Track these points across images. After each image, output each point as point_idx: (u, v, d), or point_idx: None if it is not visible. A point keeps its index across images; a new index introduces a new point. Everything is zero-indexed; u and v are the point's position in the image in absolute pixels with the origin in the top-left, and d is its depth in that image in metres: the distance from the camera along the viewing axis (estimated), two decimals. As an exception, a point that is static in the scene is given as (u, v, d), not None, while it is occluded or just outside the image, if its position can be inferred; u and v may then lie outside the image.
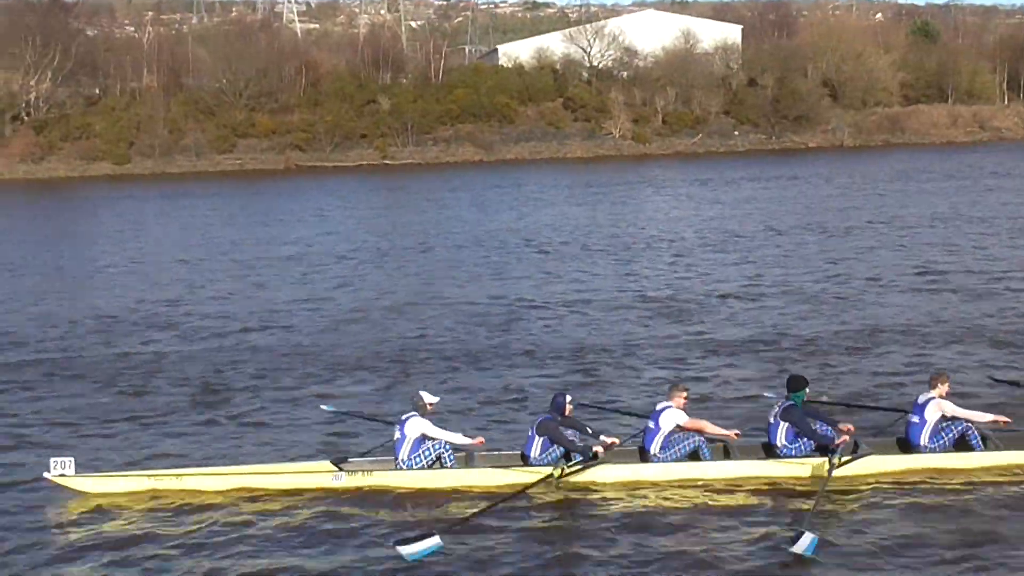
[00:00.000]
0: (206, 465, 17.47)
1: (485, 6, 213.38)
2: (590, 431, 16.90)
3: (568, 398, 17.13)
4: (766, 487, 16.30)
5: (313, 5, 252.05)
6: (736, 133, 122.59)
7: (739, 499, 15.95)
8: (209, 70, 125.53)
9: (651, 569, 13.84)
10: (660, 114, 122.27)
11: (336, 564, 14.22)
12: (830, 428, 16.75)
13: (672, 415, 16.81)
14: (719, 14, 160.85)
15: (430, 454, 16.78)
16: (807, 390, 17.18)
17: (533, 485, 15.99)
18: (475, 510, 15.13)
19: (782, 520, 15.16)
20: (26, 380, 24.93)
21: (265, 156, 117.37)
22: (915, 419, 16.95)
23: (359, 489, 16.45)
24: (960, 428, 16.75)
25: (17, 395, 23.61)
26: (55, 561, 14.56)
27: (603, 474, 16.53)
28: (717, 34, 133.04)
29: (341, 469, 16.81)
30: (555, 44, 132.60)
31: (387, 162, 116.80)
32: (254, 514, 15.88)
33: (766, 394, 19.57)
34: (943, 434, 16.78)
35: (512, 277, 38.32)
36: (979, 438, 16.75)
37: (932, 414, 16.76)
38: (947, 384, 17.04)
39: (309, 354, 26.72)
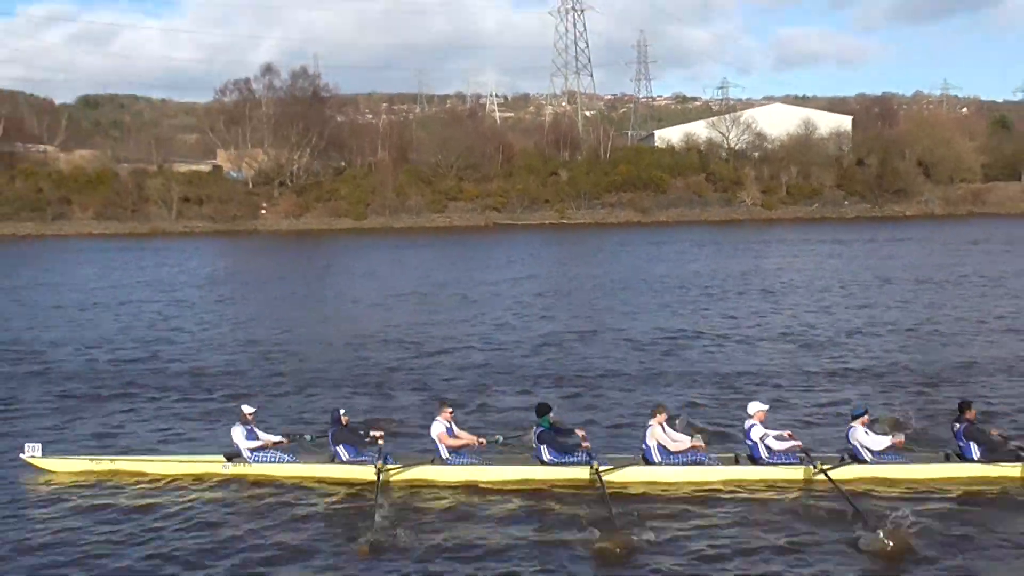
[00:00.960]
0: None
1: (645, 99, 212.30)
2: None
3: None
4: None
5: (509, 98, 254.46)
6: (846, 202, 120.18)
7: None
8: (428, 148, 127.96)
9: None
10: (784, 186, 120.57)
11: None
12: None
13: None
14: (834, 107, 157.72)
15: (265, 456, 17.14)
16: (550, 415, 16.59)
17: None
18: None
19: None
20: (308, 382, 25.26)
21: (469, 215, 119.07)
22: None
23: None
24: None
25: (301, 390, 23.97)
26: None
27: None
28: (832, 123, 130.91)
29: (229, 461, 17.19)
30: (700, 130, 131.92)
31: (564, 221, 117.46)
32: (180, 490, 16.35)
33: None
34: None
35: (670, 314, 37.79)
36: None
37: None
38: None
39: (511, 370, 26.44)
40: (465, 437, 16.82)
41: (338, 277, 57.43)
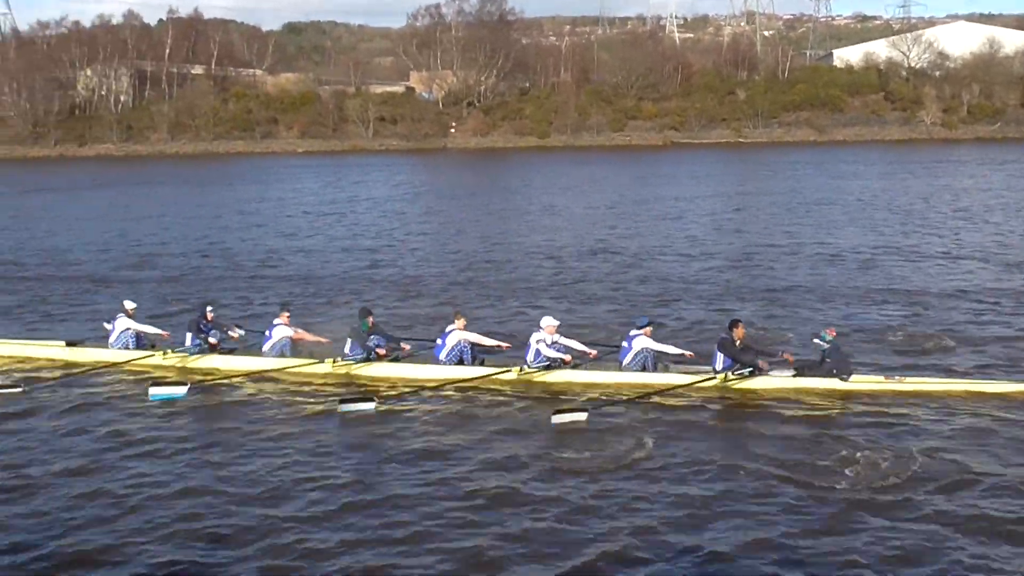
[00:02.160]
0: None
1: (824, 19, 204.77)
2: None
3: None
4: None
5: (688, 19, 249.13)
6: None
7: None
8: (609, 69, 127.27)
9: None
10: (965, 106, 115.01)
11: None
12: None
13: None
14: (1022, 24, 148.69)
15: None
16: (369, 319, 17.65)
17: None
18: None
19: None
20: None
21: (648, 134, 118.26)
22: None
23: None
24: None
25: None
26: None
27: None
28: (1019, 41, 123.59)
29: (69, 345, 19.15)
30: (880, 49, 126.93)
31: (740, 140, 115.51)
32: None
33: None
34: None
35: (862, 230, 36.17)
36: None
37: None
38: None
39: (703, 282, 26.17)
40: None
41: (528, 192, 57.64)
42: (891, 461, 12.49)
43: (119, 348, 18.86)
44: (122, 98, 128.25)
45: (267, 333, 18.33)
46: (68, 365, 18.48)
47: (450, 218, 44.83)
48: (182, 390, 16.13)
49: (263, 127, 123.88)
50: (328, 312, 22.74)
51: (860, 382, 15.68)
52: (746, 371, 15.97)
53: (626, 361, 16.70)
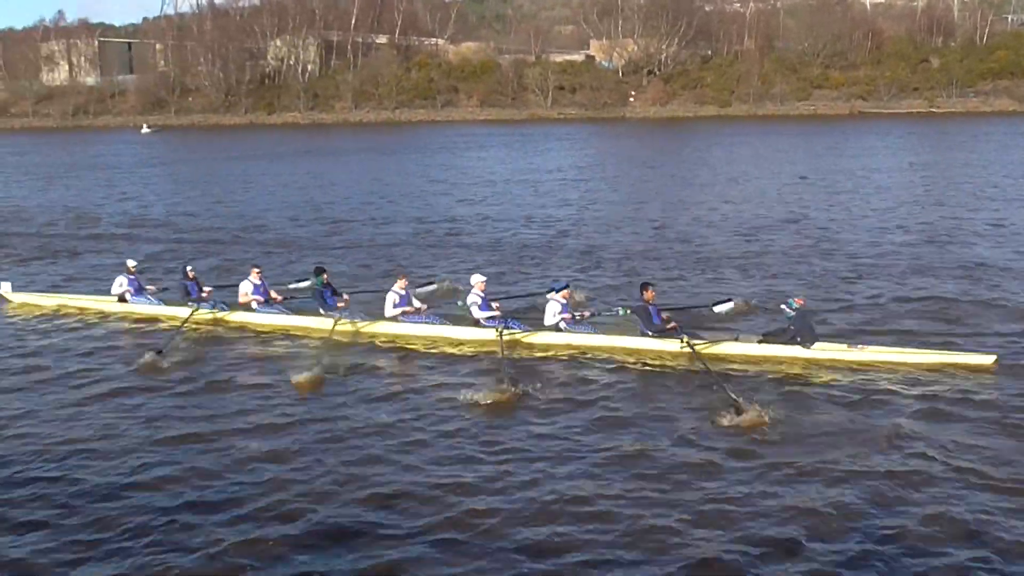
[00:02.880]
0: None
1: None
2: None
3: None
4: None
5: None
6: None
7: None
8: (794, 36, 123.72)
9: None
10: None
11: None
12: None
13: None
14: None
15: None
16: (323, 276, 18.90)
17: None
18: None
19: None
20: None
21: (834, 104, 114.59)
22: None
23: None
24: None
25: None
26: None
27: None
28: None
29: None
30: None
31: (933, 110, 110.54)
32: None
33: None
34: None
35: None
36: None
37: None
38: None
39: (902, 255, 25.00)
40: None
41: (711, 162, 56.25)
42: (825, 426, 12.77)
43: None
44: (309, 67, 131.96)
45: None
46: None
47: (632, 188, 44.26)
48: None
49: (444, 95, 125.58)
50: (513, 278, 23.02)
51: (822, 350, 15.83)
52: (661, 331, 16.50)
53: (547, 321, 17.25)
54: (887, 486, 10.95)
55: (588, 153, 67.24)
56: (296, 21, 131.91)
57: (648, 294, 16.69)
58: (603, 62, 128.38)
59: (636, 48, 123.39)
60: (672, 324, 16.55)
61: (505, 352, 16.04)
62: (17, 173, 59.48)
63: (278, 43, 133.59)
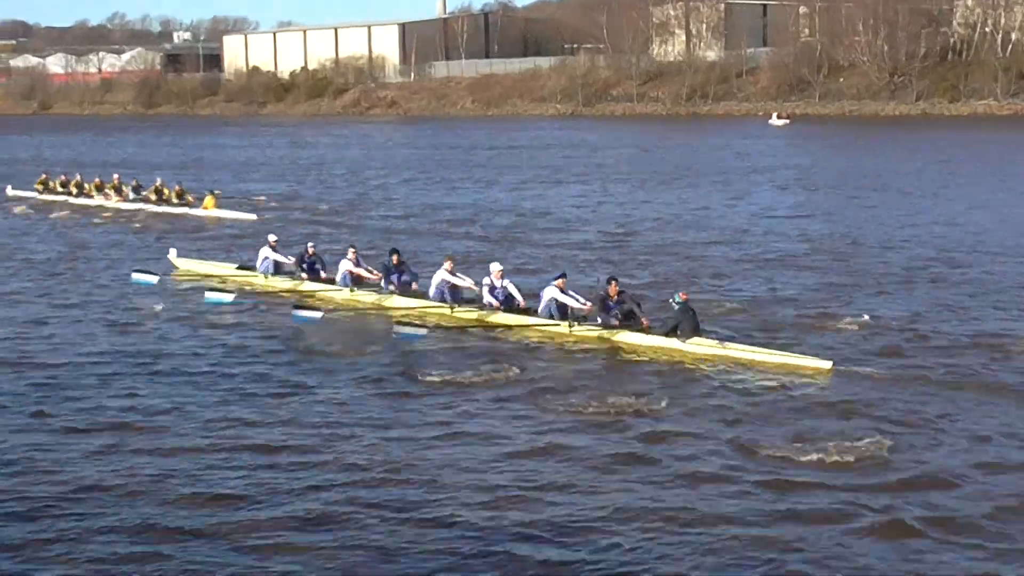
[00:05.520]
0: None
1: None
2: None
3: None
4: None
5: None
6: None
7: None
8: None
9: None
10: None
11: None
12: None
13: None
14: None
15: None
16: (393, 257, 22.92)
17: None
18: None
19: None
20: None
21: None
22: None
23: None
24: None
25: None
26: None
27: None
28: None
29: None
30: None
31: None
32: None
33: None
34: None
35: None
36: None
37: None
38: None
39: None
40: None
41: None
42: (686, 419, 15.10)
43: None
44: (1013, 36, 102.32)
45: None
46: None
47: None
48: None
49: None
50: None
51: (696, 344, 18.48)
52: (595, 323, 19.67)
53: (540, 310, 20.27)
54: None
55: None
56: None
57: (612, 288, 19.61)
58: None
59: None
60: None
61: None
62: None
63: (968, 3, 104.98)
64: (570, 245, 30.96)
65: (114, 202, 41.68)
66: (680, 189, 46.56)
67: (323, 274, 24.17)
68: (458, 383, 16.66)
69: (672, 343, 18.56)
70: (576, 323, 19.62)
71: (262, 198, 44.05)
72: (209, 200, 39.10)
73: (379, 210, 40.82)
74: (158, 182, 41.94)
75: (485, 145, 77.91)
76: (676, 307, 18.59)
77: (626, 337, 19.22)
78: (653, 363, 18.01)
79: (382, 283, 22.67)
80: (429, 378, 16.89)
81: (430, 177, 53.68)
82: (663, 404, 15.50)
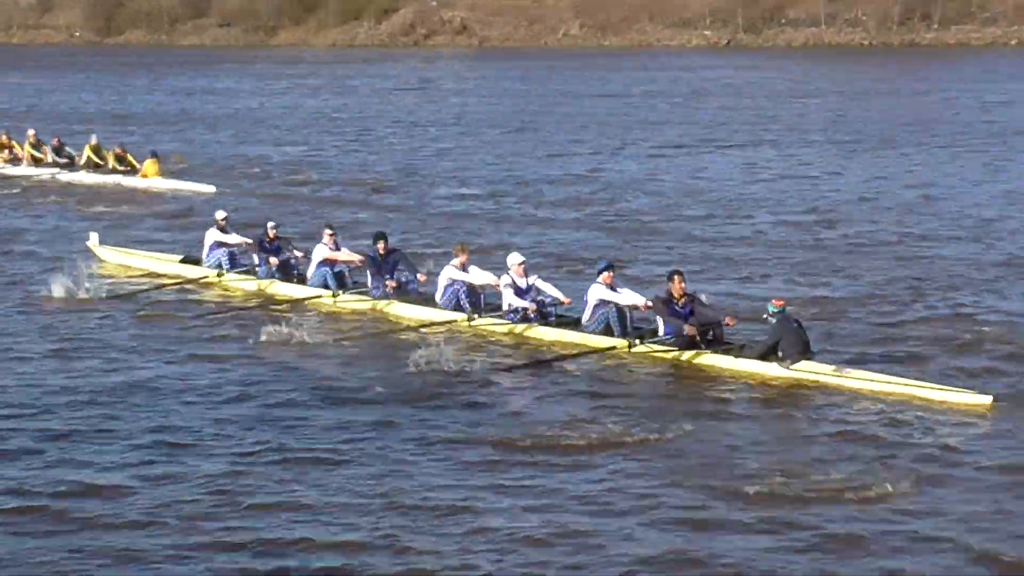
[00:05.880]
0: None
1: None
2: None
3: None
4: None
5: None
6: None
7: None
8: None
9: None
10: None
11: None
12: None
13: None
14: None
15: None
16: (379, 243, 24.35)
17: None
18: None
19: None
20: None
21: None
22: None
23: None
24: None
25: None
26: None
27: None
28: None
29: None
30: None
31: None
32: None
33: None
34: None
35: None
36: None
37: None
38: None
39: None
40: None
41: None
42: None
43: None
44: None
45: None
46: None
47: None
48: None
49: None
50: None
51: (803, 371, 19.43)
52: (667, 338, 20.73)
53: (585, 318, 21.68)
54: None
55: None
56: None
57: (675, 285, 20.61)
58: None
59: None
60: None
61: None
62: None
63: None
64: (732, 240, 30.86)
65: (24, 167, 43.17)
66: (896, 157, 46.81)
67: (293, 263, 25.51)
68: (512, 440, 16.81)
69: (771, 368, 19.25)
70: (638, 340, 20.57)
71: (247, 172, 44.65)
72: (150, 166, 40.55)
73: (441, 187, 41.06)
74: (93, 140, 43.01)
75: (601, 91, 78.15)
76: (773, 319, 19.19)
77: (709, 359, 20.08)
78: (747, 399, 18.65)
79: (369, 282, 24.10)
80: (440, 433, 17.15)
81: (519, 140, 53.85)
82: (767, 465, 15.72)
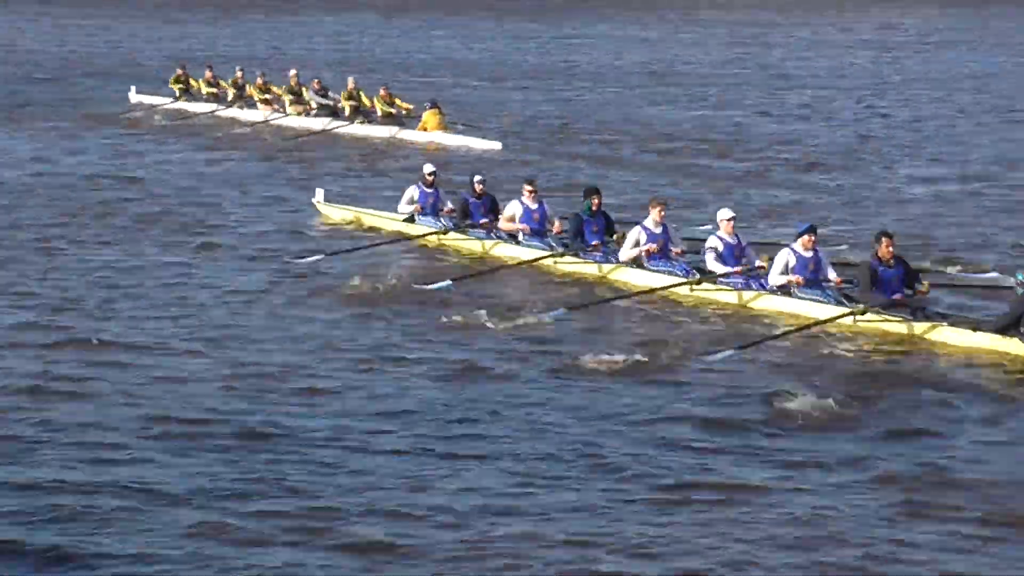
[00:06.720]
0: None
1: None
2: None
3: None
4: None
5: None
6: None
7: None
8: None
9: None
10: None
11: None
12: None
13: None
14: None
15: None
16: (592, 199, 23.17)
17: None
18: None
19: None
20: None
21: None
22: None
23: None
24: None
25: None
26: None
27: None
28: None
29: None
30: None
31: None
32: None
33: None
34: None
35: None
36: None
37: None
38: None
39: None
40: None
41: None
42: None
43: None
44: None
45: None
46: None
47: None
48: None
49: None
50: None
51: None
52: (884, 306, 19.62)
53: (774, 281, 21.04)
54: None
55: None
56: None
57: (883, 248, 19.30)
58: None
59: None
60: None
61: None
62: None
63: None
64: None
65: (293, 115, 40.59)
66: None
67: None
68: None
69: (1014, 345, 18.26)
70: (865, 310, 19.35)
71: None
72: (430, 117, 37.59)
73: (903, 167, 36.12)
74: (351, 83, 40.34)
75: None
76: (1021, 289, 18.17)
77: (939, 334, 18.95)
78: (986, 375, 17.54)
79: (581, 240, 22.85)
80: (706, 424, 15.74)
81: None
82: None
